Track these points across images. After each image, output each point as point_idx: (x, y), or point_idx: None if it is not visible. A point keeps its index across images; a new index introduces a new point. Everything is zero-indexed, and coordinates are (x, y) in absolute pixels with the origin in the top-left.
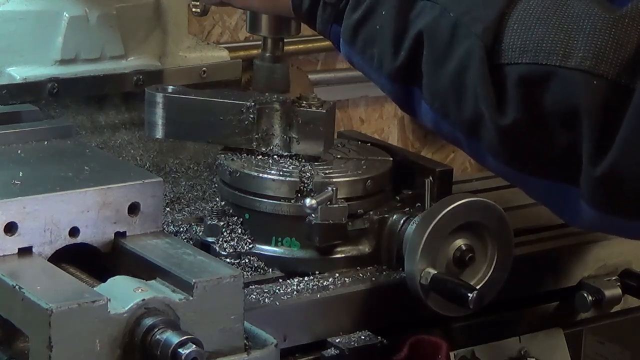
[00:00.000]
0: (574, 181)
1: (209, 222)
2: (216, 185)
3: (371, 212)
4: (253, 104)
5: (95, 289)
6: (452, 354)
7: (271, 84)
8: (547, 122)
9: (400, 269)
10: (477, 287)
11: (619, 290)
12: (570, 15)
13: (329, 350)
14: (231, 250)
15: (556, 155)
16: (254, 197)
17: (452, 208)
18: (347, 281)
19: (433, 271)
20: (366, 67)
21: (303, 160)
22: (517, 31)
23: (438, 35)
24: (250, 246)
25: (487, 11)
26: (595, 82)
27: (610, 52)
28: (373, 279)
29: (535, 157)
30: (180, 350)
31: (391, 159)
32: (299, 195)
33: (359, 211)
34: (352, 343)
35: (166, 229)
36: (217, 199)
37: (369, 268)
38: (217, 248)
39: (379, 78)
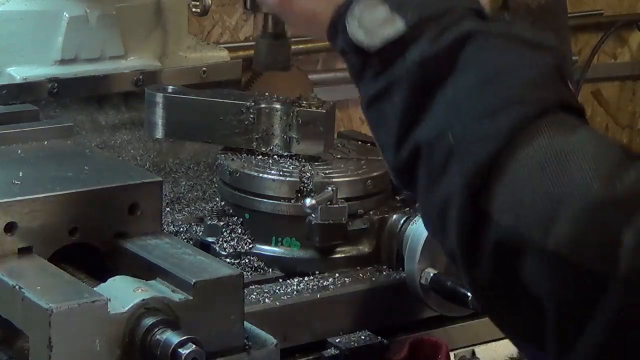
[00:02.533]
0: (544, 350)
1: (209, 222)
2: (216, 185)
3: (371, 212)
4: (253, 104)
5: (95, 289)
6: (452, 354)
7: (272, 61)
8: (515, 298)
9: (400, 269)
10: None
11: None
12: (565, 182)
13: (329, 350)
14: (231, 250)
15: (523, 328)
16: (254, 197)
17: None
18: (347, 281)
19: (433, 271)
20: (375, 138)
21: (303, 160)
22: (508, 184)
23: (433, 157)
24: (250, 246)
25: (484, 146)
26: (568, 272)
27: (591, 238)
28: (373, 279)
29: (505, 318)
30: (180, 350)
31: None
32: (299, 195)
33: (359, 211)
34: (352, 343)
35: (166, 229)
36: (217, 199)
37: (369, 268)
38: (217, 248)
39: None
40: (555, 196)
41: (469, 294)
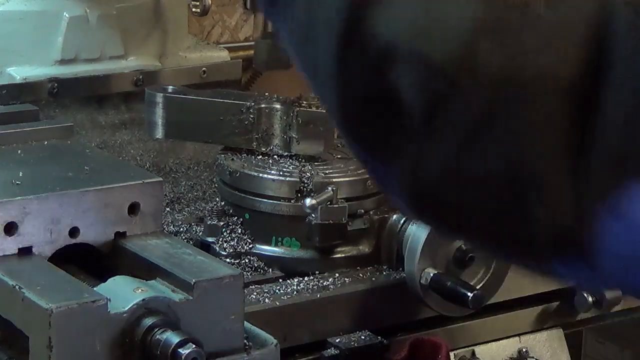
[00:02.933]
0: (401, 164)
1: (209, 222)
2: (216, 185)
3: (371, 212)
4: (253, 104)
5: (95, 289)
6: (452, 354)
7: (273, 61)
8: (382, 109)
9: (400, 269)
10: (477, 287)
11: (619, 290)
12: (446, 4)
13: (329, 350)
14: (231, 250)
15: (384, 140)
16: (254, 197)
17: None
18: (347, 281)
19: (433, 271)
20: None
21: (303, 160)
22: (389, 4)
23: None
24: (250, 246)
25: None
26: (434, 76)
27: (463, 54)
28: (373, 279)
29: (367, 133)
30: (180, 350)
31: None
32: (299, 195)
33: (359, 211)
34: (352, 343)
35: (166, 229)
36: (217, 199)
37: (369, 268)
38: (217, 248)
39: None
40: (435, 14)
41: (469, 294)
